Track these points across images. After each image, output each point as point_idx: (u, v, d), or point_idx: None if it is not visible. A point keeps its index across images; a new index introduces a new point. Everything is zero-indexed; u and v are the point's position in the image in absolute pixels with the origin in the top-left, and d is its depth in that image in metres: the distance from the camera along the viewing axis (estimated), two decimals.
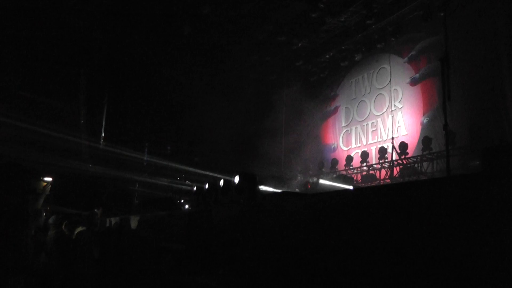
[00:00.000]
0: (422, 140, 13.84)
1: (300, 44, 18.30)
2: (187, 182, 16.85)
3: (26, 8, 14.70)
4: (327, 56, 18.72)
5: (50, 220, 8.02)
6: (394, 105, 15.67)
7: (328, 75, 19.28)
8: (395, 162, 14.38)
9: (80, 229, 8.17)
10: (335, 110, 19.22)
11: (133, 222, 7.73)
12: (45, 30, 15.52)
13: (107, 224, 9.41)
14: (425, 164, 13.47)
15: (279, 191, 11.55)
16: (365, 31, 16.52)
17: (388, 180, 14.35)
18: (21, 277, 4.47)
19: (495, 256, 2.18)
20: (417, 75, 15.12)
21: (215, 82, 18.11)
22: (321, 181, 14.66)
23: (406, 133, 15.07)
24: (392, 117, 15.60)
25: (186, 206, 14.90)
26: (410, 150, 14.26)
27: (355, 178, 15.86)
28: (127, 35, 16.83)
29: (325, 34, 17.80)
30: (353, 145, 17.68)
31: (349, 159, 17.08)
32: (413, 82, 15.22)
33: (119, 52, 17.28)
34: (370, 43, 16.75)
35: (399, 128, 15.39)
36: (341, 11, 15.96)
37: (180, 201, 15.92)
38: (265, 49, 18.55)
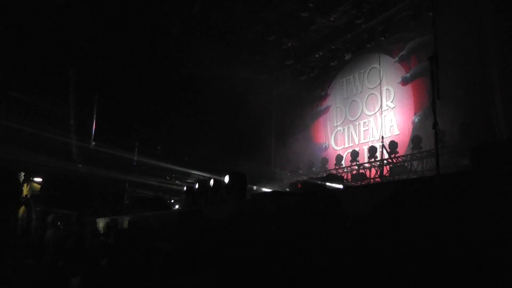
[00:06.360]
0: (412, 139, 13.89)
1: (289, 44, 18.32)
2: (177, 181, 16.80)
3: (14, 8, 14.60)
4: (317, 55, 18.75)
5: (49, 219, 8.07)
6: (386, 105, 15.74)
7: (318, 74, 19.31)
8: (385, 161, 14.41)
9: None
10: (326, 109, 19.23)
11: (122, 223, 7.71)
12: (35, 30, 15.42)
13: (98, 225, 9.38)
14: (415, 163, 13.51)
15: (269, 190, 11.54)
16: (355, 31, 16.56)
17: (378, 179, 14.37)
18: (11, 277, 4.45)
19: (484, 251, 2.19)
20: (408, 74, 15.17)
21: (204, 81, 18.05)
22: (311, 181, 14.67)
23: (398, 132, 15.13)
24: (384, 116, 15.66)
25: (177, 206, 14.86)
26: (401, 149, 14.31)
27: (345, 177, 15.88)
28: (116, 34, 16.75)
29: (314, 34, 17.85)
30: (346, 145, 17.70)
31: (339, 158, 17.12)
32: (404, 82, 15.27)
33: (109, 51, 17.20)
34: (359, 43, 16.78)
35: (391, 127, 15.45)
36: (330, 10, 16.00)
37: (171, 201, 15.87)
38: (254, 49, 18.54)
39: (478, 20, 12.47)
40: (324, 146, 18.91)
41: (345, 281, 3.04)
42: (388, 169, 14.32)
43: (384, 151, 14.37)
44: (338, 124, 18.40)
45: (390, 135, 15.18)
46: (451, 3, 13.04)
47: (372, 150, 15.31)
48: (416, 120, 14.46)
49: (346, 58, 17.72)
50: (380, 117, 15.87)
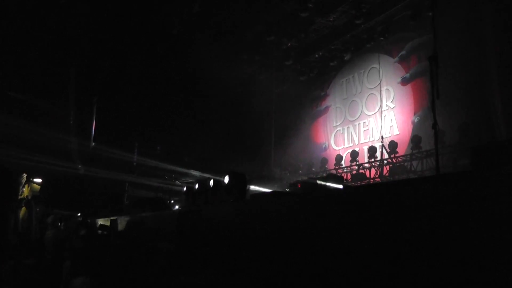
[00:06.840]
0: (411, 139, 13.90)
1: (289, 44, 18.30)
2: (177, 182, 16.79)
3: (14, 9, 14.59)
4: (317, 55, 18.73)
5: (49, 220, 8.13)
6: (386, 105, 15.75)
7: (317, 74, 19.30)
8: (385, 161, 14.42)
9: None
10: (326, 109, 19.24)
11: (122, 224, 7.70)
12: (35, 30, 15.41)
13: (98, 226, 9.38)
14: (414, 162, 13.51)
15: (269, 191, 11.53)
16: (354, 31, 16.55)
17: (378, 179, 14.38)
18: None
19: (484, 251, 2.18)
20: (408, 74, 15.18)
21: (204, 81, 18.05)
22: (311, 181, 14.67)
23: (398, 132, 15.15)
24: (384, 116, 15.66)
25: (176, 206, 14.84)
26: (402, 149, 14.32)
27: (345, 177, 15.87)
28: (116, 34, 16.74)
29: (314, 34, 17.83)
30: (346, 145, 17.71)
31: (339, 158, 17.12)
32: (404, 82, 15.28)
33: (109, 51, 17.19)
34: (359, 43, 16.77)
35: (391, 127, 15.45)
36: (330, 11, 15.99)
37: (170, 201, 15.86)
38: (254, 49, 18.53)
39: (478, 20, 12.46)
40: (324, 146, 18.92)
41: (345, 281, 3.04)
42: (388, 169, 14.33)
43: (384, 151, 14.38)
44: (337, 124, 18.40)
45: (390, 135, 15.20)
46: (451, 3, 13.02)
47: (372, 150, 15.32)
48: (416, 120, 14.47)
49: (345, 58, 17.71)
50: (380, 117, 15.86)
